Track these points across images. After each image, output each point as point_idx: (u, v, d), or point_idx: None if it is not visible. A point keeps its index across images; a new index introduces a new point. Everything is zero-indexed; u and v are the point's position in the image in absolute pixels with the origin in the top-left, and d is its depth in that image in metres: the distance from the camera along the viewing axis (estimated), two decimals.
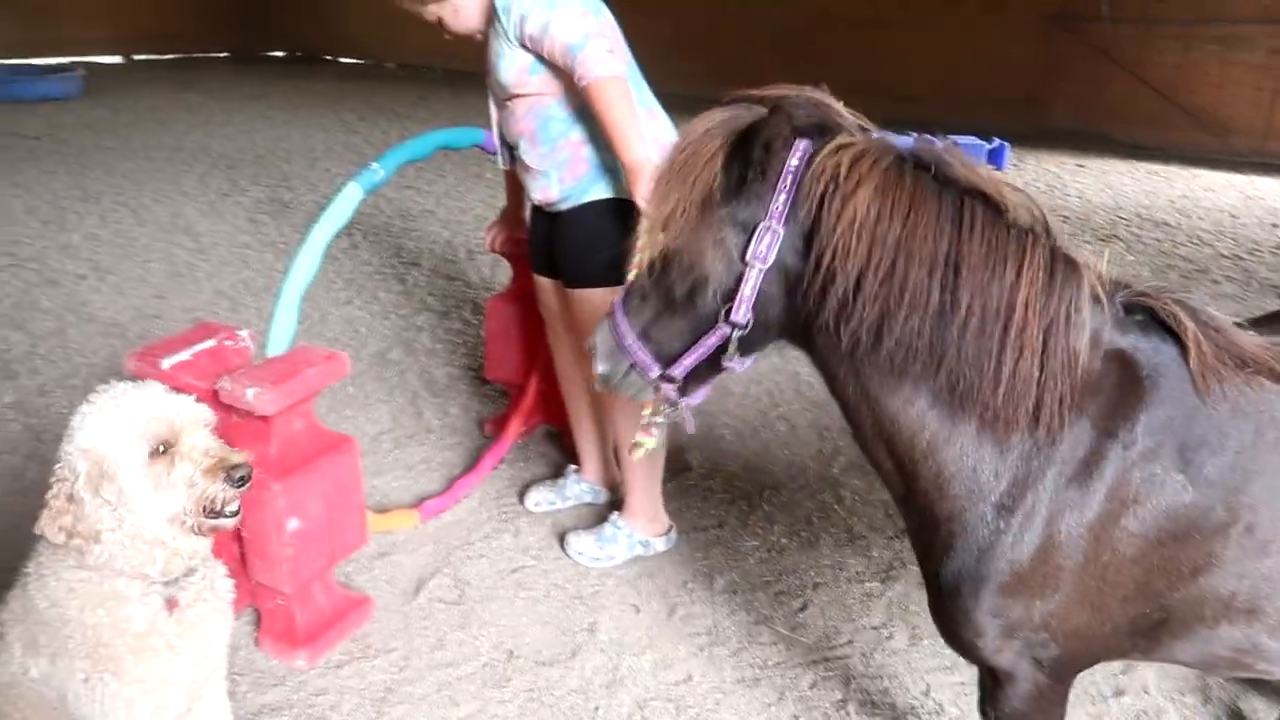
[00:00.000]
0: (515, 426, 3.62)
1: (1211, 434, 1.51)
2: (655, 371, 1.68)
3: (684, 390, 1.72)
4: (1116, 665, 2.62)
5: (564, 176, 2.71)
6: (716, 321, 1.59)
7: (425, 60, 18.14)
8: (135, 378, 2.45)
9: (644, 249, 1.63)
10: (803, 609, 2.86)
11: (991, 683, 1.75)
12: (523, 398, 3.65)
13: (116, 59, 16.60)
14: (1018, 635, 1.63)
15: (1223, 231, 7.45)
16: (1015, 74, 11.91)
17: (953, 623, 1.68)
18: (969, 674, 2.59)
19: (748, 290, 1.55)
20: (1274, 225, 7.71)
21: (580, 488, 3.32)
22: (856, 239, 1.46)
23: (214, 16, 17.82)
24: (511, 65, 2.61)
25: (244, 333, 2.55)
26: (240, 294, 5.35)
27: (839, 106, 1.58)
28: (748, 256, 1.53)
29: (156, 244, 6.19)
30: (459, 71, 17.40)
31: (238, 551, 2.48)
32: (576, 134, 2.67)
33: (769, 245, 1.52)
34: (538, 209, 2.91)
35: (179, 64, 16.60)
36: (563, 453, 3.66)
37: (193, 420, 1.77)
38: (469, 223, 6.95)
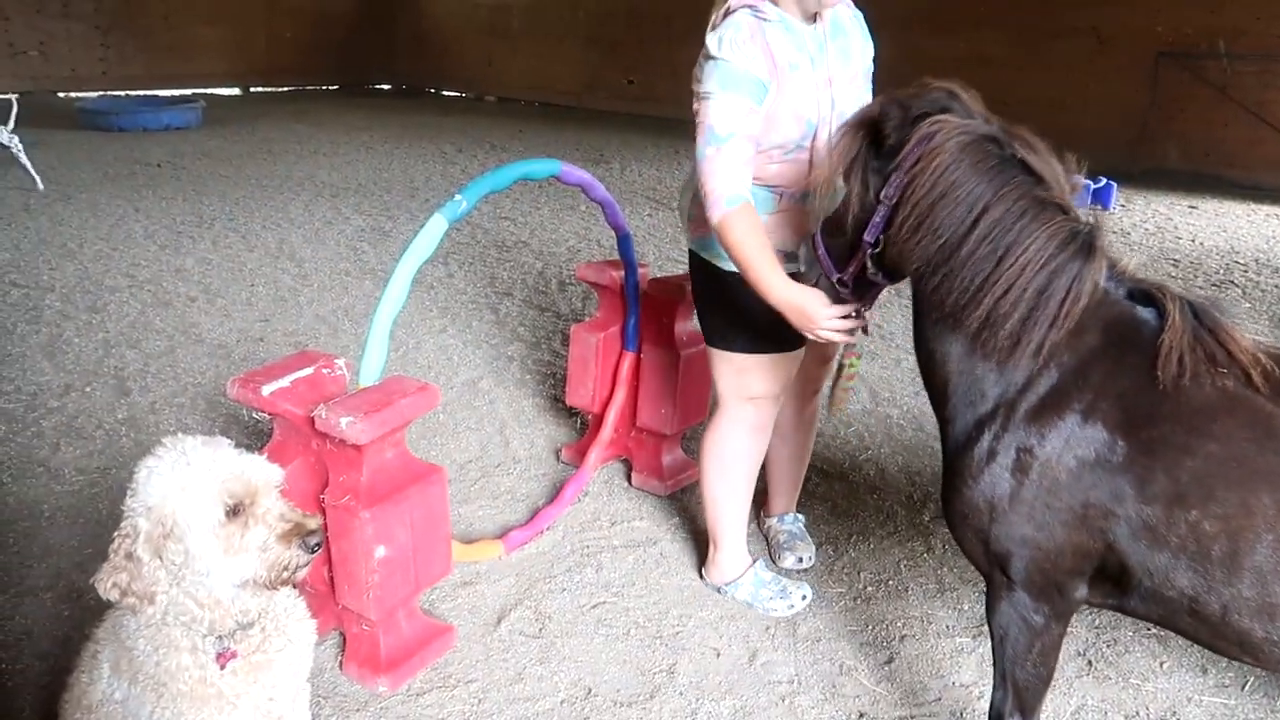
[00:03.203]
0: (595, 457, 3.62)
1: (1157, 410, 1.76)
2: (834, 275, 2.21)
3: (857, 296, 2.24)
4: None
5: None
6: (861, 243, 2.08)
7: (522, 94, 18.59)
8: (237, 403, 2.55)
9: (832, 190, 2.24)
10: (889, 662, 2.76)
11: (988, 593, 2.07)
12: (601, 427, 3.65)
13: (235, 91, 17.47)
14: (981, 535, 1.96)
15: None
16: (1125, 112, 11.55)
17: (946, 517, 2.08)
18: None
19: (877, 219, 2.02)
20: None
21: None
22: (922, 180, 1.90)
23: (326, 51, 18.61)
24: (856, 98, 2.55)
25: (340, 361, 2.62)
26: (340, 320, 5.52)
27: (966, 98, 2.02)
28: (881, 196, 2.00)
29: (263, 269, 6.44)
30: (553, 105, 17.77)
31: (326, 575, 2.52)
32: None
33: (895, 186, 1.96)
34: None
35: (292, 96, 17.37)
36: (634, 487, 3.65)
37: (267, 482, 1.74)
38: (562, 254, 7.05)
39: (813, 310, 2.27)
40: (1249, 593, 1.68)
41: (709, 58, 2.41)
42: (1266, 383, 1.72)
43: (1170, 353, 1.76)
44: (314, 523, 1.75)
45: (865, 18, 2.71)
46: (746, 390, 2.81)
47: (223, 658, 1.77)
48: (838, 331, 2.30)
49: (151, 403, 4.28)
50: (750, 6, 2.41)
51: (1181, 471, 1.71)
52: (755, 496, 3.14)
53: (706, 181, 2.40)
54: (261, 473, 1.74)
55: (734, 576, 3.02)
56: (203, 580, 1.69)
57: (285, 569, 1.72)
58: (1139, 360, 1.81)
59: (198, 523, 1.66)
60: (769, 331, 2.61)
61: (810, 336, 2.34)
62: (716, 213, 2.37)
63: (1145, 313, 1.86)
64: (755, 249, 2.35)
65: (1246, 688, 2.67)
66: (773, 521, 3.32)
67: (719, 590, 3.05)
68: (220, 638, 1.77)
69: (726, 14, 2.43)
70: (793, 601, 2.96)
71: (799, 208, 2.59)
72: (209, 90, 16.42)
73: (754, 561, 3.05)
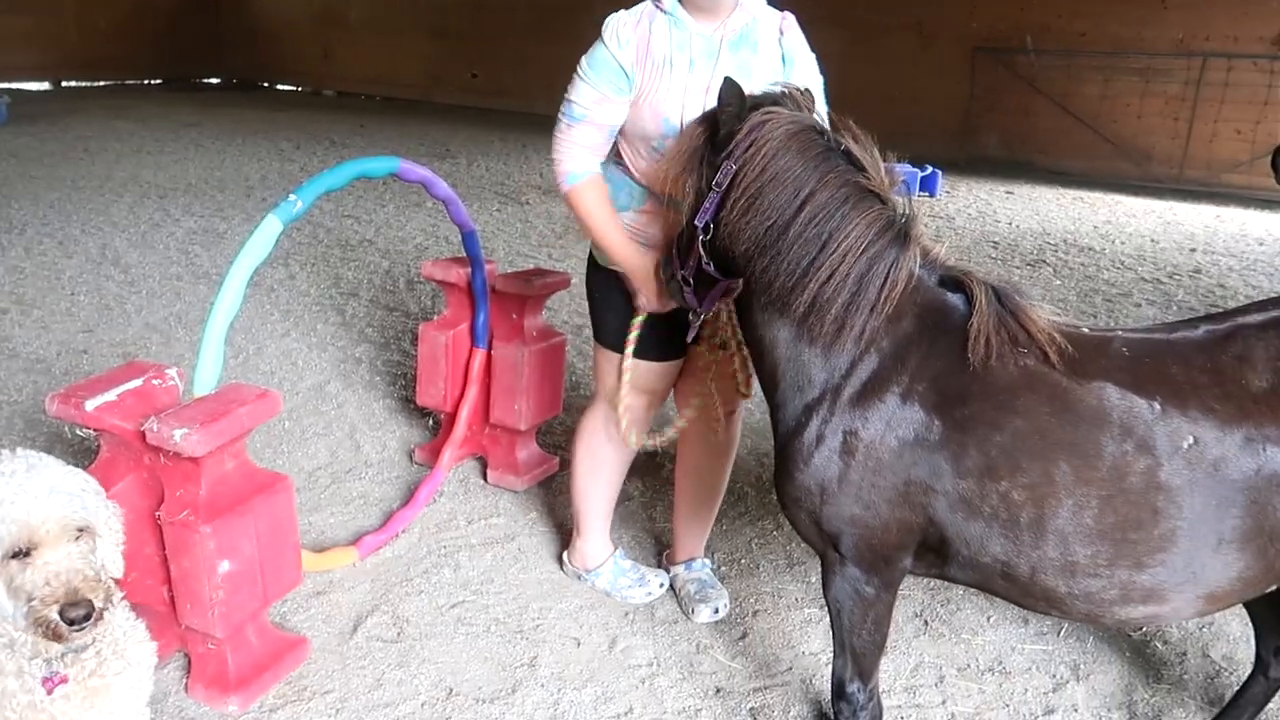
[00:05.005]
0: (449, 456, 3.60)
1: (967, 390, 1.90)
2: (680, 272, 2.29)
3: (698, 297, 2.32)
4: (1047, 684, 2.68)
5: None
6: (696, 233, 2.15)
7: (363, 88, 18.07)
8: (59, 420, 2.40)
9: (679, 195, 2.23)
10: (743, 637, 2.87)
11: (822, 569, 2.18)
12: (454, 426, 3.63)
13: (44, 85, 16.24)
14: (813, 516, 2.06)
15: (1144, 256, 7.73)
16: (948, 104, 12.28)
17: (780, 500, 2.18)
18: (904, 698, 2.63)
19: (708, 204, 2.10)
20: (1191, 250, 8.02)
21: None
22: (752, 164, 2.00)
23: (147, 42, 17.55)
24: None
25: (172, 371, 2.51)
26: (172, 327, 5.24)
27: (796, 95, 2.14)
28: (714, 184, 2.09)
29: (84, 276, 6.04)
30: (396, 99, 17.34)
31: (166, 595, 2.42)
32: None
33: (725, 174, 2.05)
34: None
35: (110, 91, 16.30)
36: (492, 483, 3.65)
37: (57, 531, 1.61)
38: (409, 252, 6.92)
39: (645, 274, 2.53)
40: (1053, 554, 1.85)
41: (599, 34, 2.49)
42: (1061, 360, 1.88)
43: (978, 336, 1.91)
44: (85, 596, 1.59)
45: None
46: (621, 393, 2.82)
47: (50, 682, 1.68)
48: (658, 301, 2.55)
49: None
50: None
51: (991, 446, 1.86)
52: (662, 540, 3.29)
53: (555, 152, 2.57)
54: (53, 519, 1.61)
55: (595, 564, 3.07)
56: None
57: (50, 631, 1.60)
58: (950, 343, 1.95)
59: None
60: (647, 335, 2.67)
61: (641, 301, 2.58)
62: (564, 186, 2.57)
63: (954, 298, 2.00)
64: (601, 217, 2.56)
65: (1062, 634, 2.92)
66: (678, 570, 3.08)
67: (580, 577, 3.09)
68: (48, 661, 1.68)
69: None
70: (650, 589, 3.03)
71: (666, 210, 2.55)
72: (14, 85, 15.19)
73: (614, 550, 3.11)
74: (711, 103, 2.40)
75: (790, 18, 2.58)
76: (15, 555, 1.58)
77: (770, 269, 2.02)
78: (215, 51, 18.84)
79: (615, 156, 2.64)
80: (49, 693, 1.67)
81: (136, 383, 2.42)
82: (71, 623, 1.58)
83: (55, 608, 1.57)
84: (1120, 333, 1.97)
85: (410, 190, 8.64)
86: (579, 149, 2.52)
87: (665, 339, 2.70)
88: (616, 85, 2.45)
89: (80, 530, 1.65)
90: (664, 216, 2.58)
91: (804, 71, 2.55)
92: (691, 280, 2.28)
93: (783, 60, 2.54)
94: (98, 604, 1.60)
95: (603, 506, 3.06)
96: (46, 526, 1.60)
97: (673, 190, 2.27)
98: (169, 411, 2.31)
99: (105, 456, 2.44)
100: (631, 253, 2.55)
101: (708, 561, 3.14)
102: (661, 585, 3.05)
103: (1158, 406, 1.80)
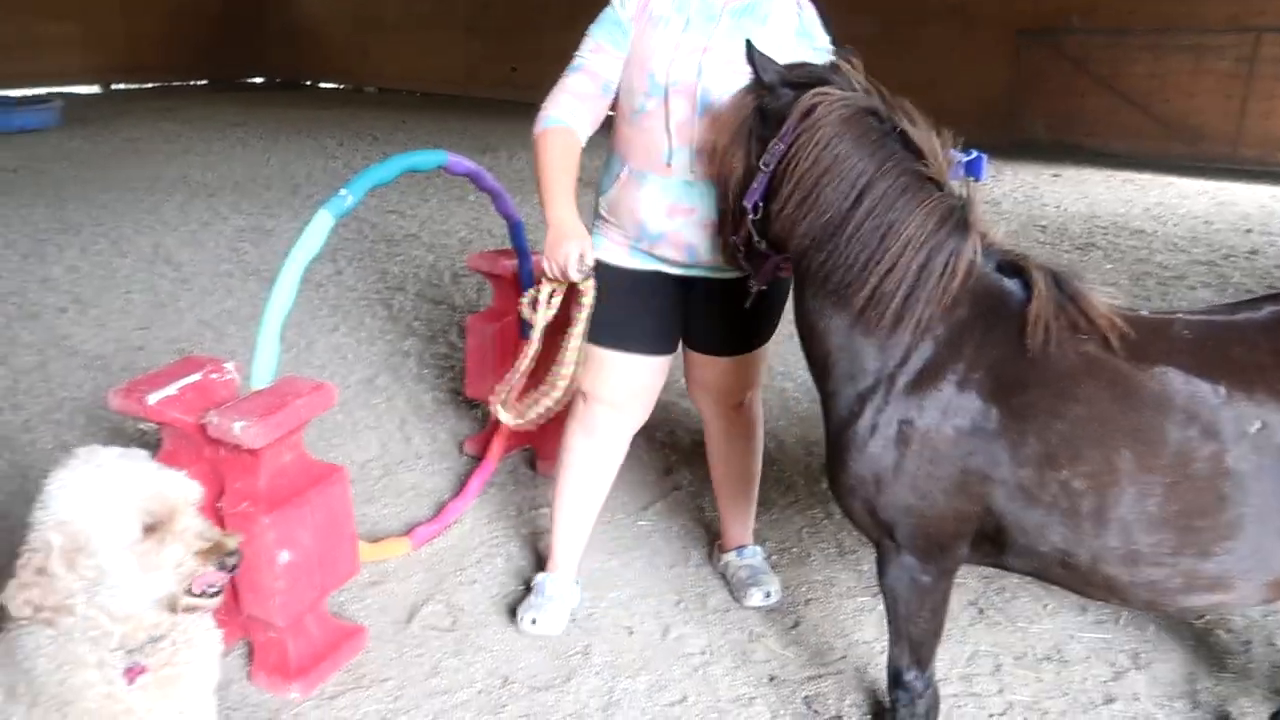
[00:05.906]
0: (498, 447, 3.62)
1: (1026, 377, 1.86)
2: (732, 239, 2.24)
3: (754, 268, 2.27)
4: (1106, 673, 2.64)
5: None
6: (743, 209, 2.10)
7: (403, 85, 18.22)
8: (121, 414, 2.46)
9: (727, 170, 2.17)
10: (795, 626, 2.86)
11: (878, 557, 2.14)
12: None
13: (94, 89, 16.60)
14: (868, 505, 2.03)
15: (1197, 238, 7.54)
16: (990, 88, 12.07)
17: (833, 490, 2.15)
18: (960, 686, 2.60)
19: (756, 184, 2.06)
20: (1247, 231, 7.81)
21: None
22: (805, 154, 1.95)
23: (192, 45, 17.85)
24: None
25: (230, 365, 2.55)
26: (224, 324, 5.34)
27: (847, 68, 2.06)
28: (760, 163, 2.04)
29: (138, 275, 6.18)
30: (436, 95, 17.46)
31: (229, 585, 2.46)
32: None
33: (774, 155, 2.01)
34: (662, 278, 2.61)
35: (157, 92, 16.62)
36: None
37: (185, 499, 1.70)
38: (453, 246, 6.97)
39: (565, 240, 2.39)
40: (1114, 542, 1.81)
41: None
42: (1123, 345, 1.84)
43: (1037, 321, 1.87)
44: (233, 542, 1.71)
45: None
46: (586, 381, 2.67)
47: (131, 673, 1.72)
48: (568, 269, 2.39)
49: (25, 420, 4.07)
50: None
51: (1051, 434, 1.82)
52: (712, 529, 3.26)
53: (547, 98, 2.57)
54: (180, 490, 1.71)
55: (543, 572, 2.91)
56: (116, 595, 1.64)
57: (201, 586, 1.69)
58: (1007, 330, 1.90)
59: (113, 539, 1.62)
60: (611, 324, 2.58)
61: (550, 263, 2.42)
62: (536, 129, 2.54)
63: (1010, 283, 1.96)
64: (553, 170, 2.48)
65: (1121, 621, 2.87)
66: (730, 557, 3.06)
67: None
68: (130, 652, 1.72)
69: None
70: (523, 625, 2.78)
71: (638, 186, 2.53)
72: (65, 89, 15.54)
73: (549, 572, 2.89)
74: (708, 65, 2.37)
75: (807, 1, 2.55)
76: (148, 529, 1.63)
77: (828, 263, 1.98)
78: (258, 52, 19.11)
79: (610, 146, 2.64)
80: (130, 682, 1.72)
81: (195, 377, 2.47)
82: (232, 569, 1.70)
83: (215, 559, 1.67)
84: (1181, 315, 1.92)
85: (453, 185, 8.71)
86: (565, 95, 2.53)
87: (654, 330, 2.64)
88: (613, 38, 2.50)
89: (197, 501, 1.75)
90: (637, 191, 2.54)
91: (802, 50, 2.48)
92: (743, 248, 2.21)
93: (799, 35, 2.48)
94: (240, 550, 1.73)
95: (559, 521, 2.85)
96: (180, 496, 1.68)
97: (720, 166, 2.18)
98: (228, 405, 2.35)
99: (166, 449, 2.50)
100: (563, 211, 2.42)
101: (759, 549, 3.12)
102: (534, 623, 2.77)
103: (1223, 390, 1.76)
